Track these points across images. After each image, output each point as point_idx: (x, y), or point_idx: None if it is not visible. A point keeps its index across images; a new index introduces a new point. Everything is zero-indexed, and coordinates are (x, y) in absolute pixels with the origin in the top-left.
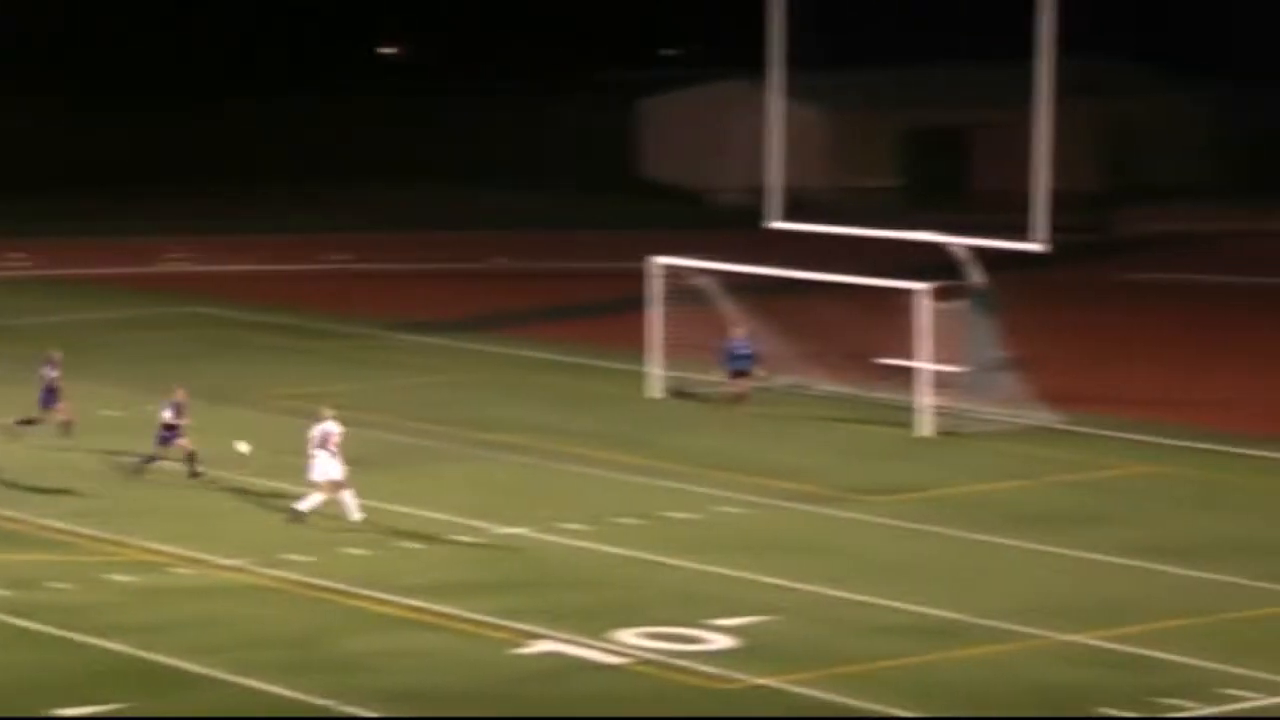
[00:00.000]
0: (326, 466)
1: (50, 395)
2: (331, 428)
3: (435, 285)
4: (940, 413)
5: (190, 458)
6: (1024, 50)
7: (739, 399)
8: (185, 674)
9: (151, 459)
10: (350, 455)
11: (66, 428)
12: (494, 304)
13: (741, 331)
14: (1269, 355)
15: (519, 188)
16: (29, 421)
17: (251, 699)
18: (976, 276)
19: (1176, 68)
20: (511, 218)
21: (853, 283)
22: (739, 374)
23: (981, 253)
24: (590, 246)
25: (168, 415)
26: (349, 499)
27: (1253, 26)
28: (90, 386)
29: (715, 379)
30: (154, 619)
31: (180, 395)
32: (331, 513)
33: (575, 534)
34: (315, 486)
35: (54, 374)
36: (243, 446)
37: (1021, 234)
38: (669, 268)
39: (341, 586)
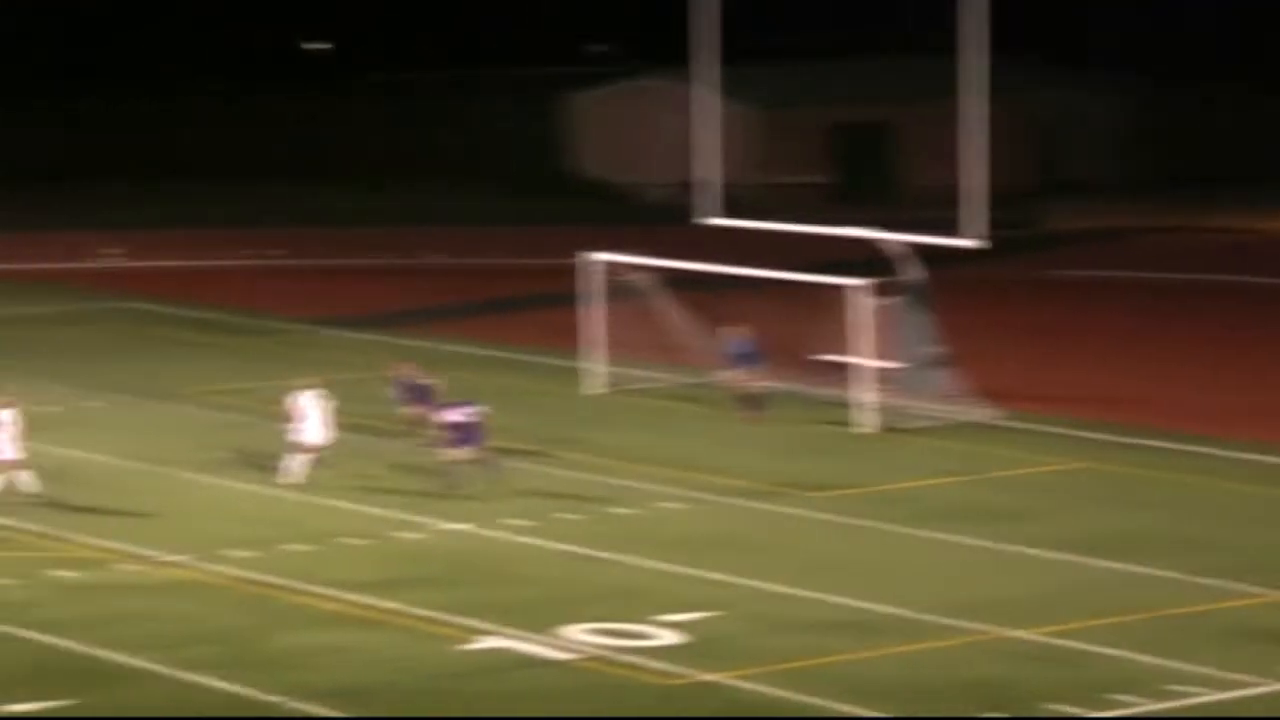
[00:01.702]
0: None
1: None
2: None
3: (365, 281)
4: (878, 409)
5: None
6: (950, 45)
7: (755, 399)
8: (129, 669)
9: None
10: (282, 451)
11: None
12: (424, 300)
13: (740, 330)
14: (1200, 350)
15: (447, 183)
16: None
17: (195, 695)
18: (911, 272)
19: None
20: (440, 214)
21: (788, 279)
22: (750, 372)
23: (914, 248)
24: (520, 242)
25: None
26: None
27: (1169, 23)
28: (26, 382)
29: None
30: (97, 614)
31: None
32: (270, 512)
33: (518, 529)
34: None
35: None
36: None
37: (949, 229)
38: (602, 264)
39: (285, 582)
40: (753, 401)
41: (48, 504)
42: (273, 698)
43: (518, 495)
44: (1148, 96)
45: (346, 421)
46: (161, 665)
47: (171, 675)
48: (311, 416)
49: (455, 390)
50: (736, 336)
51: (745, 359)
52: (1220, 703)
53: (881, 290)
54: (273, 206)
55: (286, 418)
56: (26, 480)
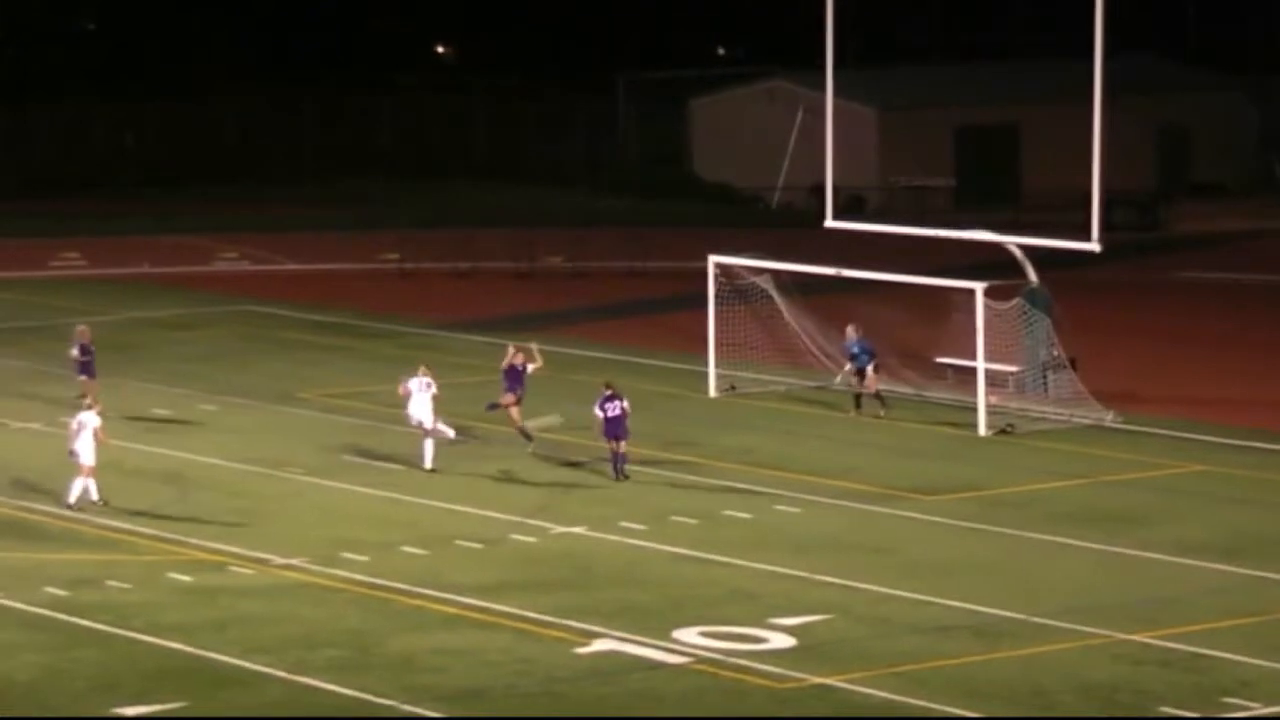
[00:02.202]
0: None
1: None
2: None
3: (486, 284)
4: (996, 412)
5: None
6: (1076, 49)
7: (876, 396)
8: (244, 672)
9: None
10: (402, 455)
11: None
12: (546, 303)
13: (853, 330)
14: None
15: (571, 186)
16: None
17: (310, 698)
18: (1031, 275)
19: (1225, 67)
20: (564, 217)
21: (909, 282)
22: (861, 371)
23: (1033, 251)
24: (645, 246)
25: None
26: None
27: None
28: (140, 385)
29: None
30: (212, 618)
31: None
32: (387, 514)
33: (634, 533)
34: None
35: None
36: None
37: (1072, 232)
38: (725, 267)
39: (400, 585)
40: (872, 402)
41: (173, 504)
42: (388, 701)
43: (633, 498)
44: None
45: (463, 426)
46: (277, 668)
47: (287, 678)
48: (416, 396)
49: (577, 394)
50: (850, 337)
51: (860, 357)
52: None
53: (1000, 293)
54: (392, 210)
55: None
56: (89, 487)
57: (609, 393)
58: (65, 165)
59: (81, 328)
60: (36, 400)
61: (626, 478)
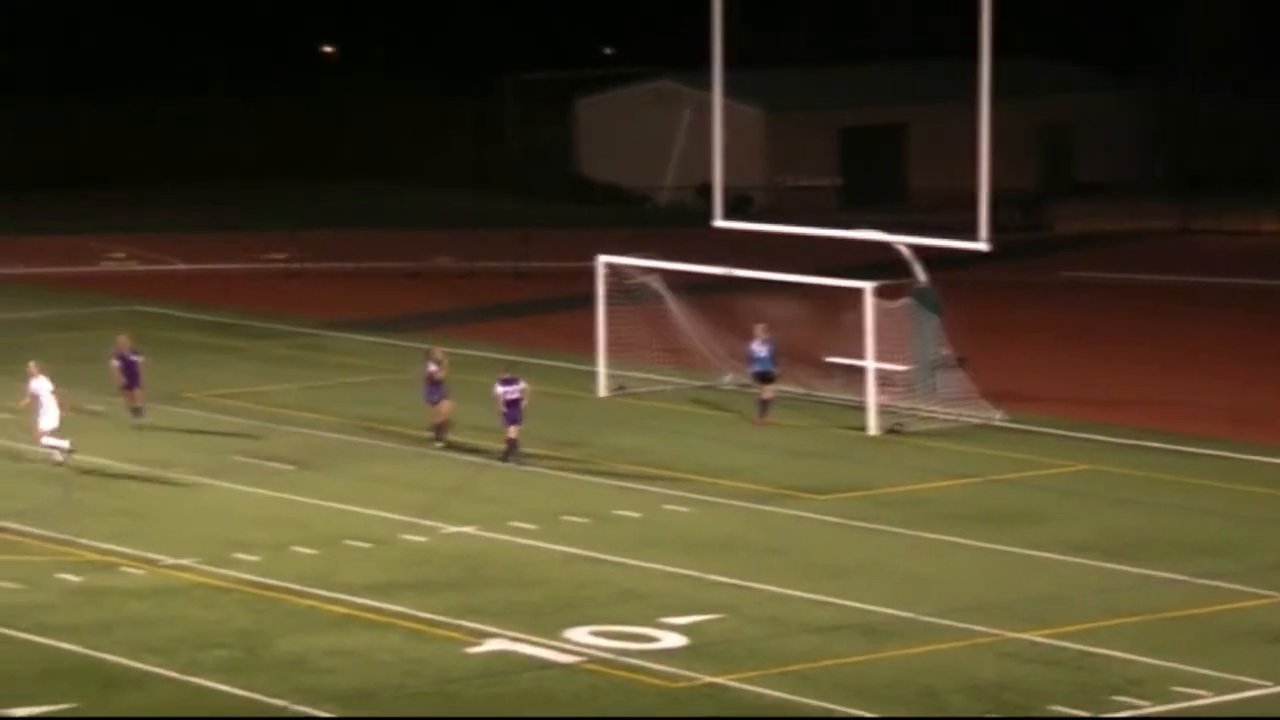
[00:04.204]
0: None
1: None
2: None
3: (375, 285)
4: (885, 411)
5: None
6: (962, 48)
7: (767, 406)
8: (134, 673)
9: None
10: (292, 455)
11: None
12: (434, 304)
13: (762, 330)
14: (1205, 353)
15: (460, 187)
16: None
17: (201, 698)
18: (919, 275)
19: (1108, 67)
20: (452, 217)
21: (798, 281)
22: (763, 377)
23: (921, 251)
24: (533, 246)
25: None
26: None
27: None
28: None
29: (744, 384)
30: (103, 618)
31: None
32: (278, 514)
33: (525, 532)
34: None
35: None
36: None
37: (958, 232)
38: (615, 267)
39: (290, 585)
40: (763, 405)
41: (55, 505)
42: (279, 701)
43: (522, 498)
44: (1159, 97)
45: (352, 426)
46: (167, 669)
47: (177, 679)
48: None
49: (472, 394)
50: (756, 338)
51: (760, 361)
52: (1224, 704)
53: (889, 293)
54: (280, 210)
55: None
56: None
57: (508, 375)
58: None
59: (122, 337)
60: None
61: (520, 463)
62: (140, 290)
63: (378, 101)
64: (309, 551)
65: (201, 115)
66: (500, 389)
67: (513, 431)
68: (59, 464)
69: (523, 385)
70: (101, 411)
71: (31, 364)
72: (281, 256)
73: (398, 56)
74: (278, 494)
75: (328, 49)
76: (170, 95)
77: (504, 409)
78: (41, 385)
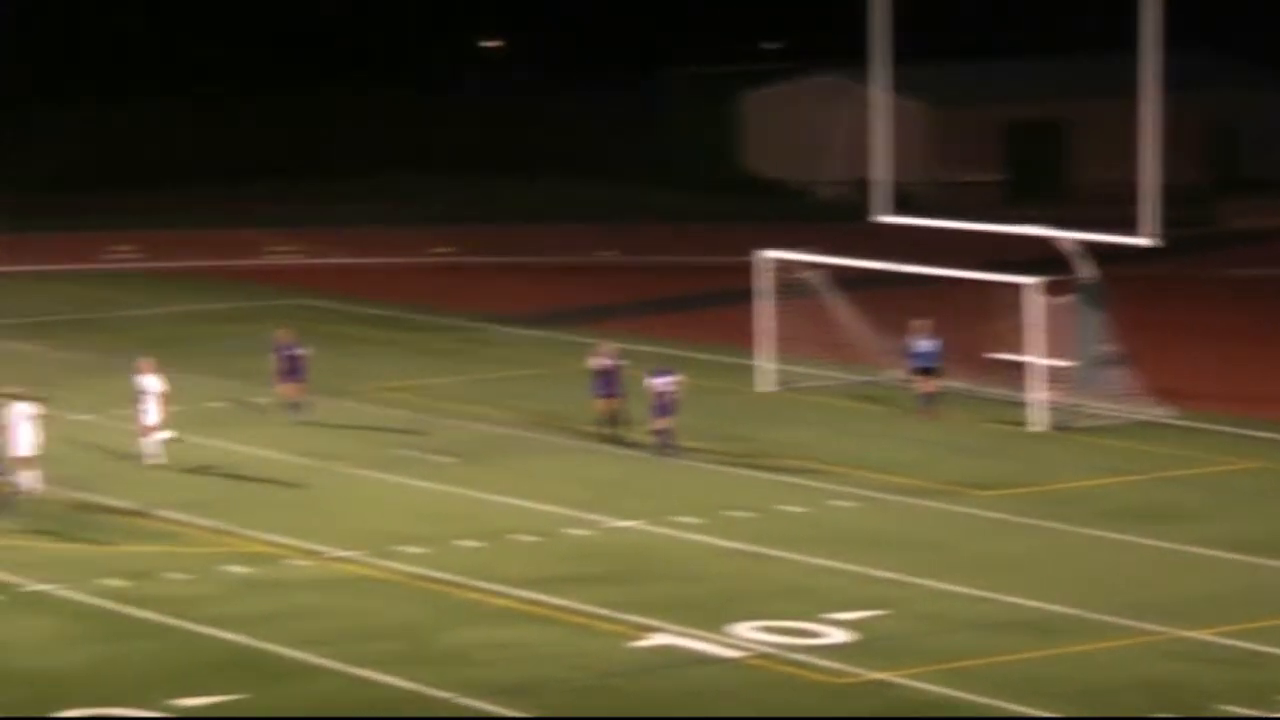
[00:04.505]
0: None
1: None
2: None
3: (539, 279)
4: (1051, 408)
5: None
6: (1126, 42)
7: (931, 400)
8: (300, 664)
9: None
10: (455, 448)
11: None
12: (597, 298)
13: (922, 326)
14: None
15: (621, 181)
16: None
17: (366, 690)
18: (1085, 271)
19: (1276, 61)
20: (614, 211)
21: (962, 277)
22: (924, 372)
23: (1087, 247)
24: (697, 240)
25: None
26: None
27: None
28: (196, 379)
29: (903, 379)
30: (268, 610)
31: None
32: (442, 508)
33: (688, 527)
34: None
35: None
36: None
37: (1125, 227)
38: (776, 262)
39: (455, 579)
40: (929, 402)
41: (220, 499)
42: (443, 693)
43: (687, 492)
44: None
45: (518, 420)
46: (332, 660)
47: (342, 670)
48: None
49: (632, 388)
50: (917, 333)
51: (923, 357)
52: None
53: (1054, 289)
54: (446, 204)
55: None
56: (31, 480)
57: (662, 367)
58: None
59: (281, 330)
60: (92, 393)
61: (674, 456)
62: (305, 283)
63: (539, 99)
64: (473, 544)
65: (375, 107)
66: (653, 380)
67: (663, 423)
68: (157, 459)
69: (676, 377)
70: (264, 405)
71: (142, 360)
72: (446, 250)
73: (563, 51)
74: (442, 487)
75: (494, 44)
76: (344, 87)
77: (655, 400)
78: (150, 383)
